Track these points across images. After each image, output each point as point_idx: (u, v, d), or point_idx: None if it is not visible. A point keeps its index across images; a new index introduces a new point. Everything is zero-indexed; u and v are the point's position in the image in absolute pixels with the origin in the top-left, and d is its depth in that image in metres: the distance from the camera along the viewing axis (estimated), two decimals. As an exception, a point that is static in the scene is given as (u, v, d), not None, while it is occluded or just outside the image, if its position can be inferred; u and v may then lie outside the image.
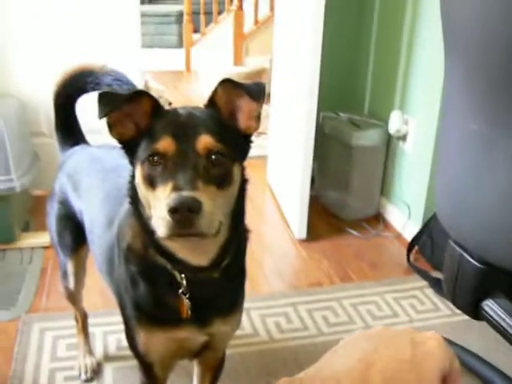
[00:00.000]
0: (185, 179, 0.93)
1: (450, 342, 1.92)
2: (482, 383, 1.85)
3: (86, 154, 1.63)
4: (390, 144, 2.98)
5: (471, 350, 1.89)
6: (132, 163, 1.07)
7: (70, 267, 1.70)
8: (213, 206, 0.94)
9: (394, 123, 2.82)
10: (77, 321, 1.92)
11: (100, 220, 1.39)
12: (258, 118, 1.09)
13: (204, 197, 0.93)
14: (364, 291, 2.38)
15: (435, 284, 2.42)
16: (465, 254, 1.24)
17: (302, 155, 2.71)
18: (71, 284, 1.75)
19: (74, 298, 1.83)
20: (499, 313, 1.21)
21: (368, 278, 2.52)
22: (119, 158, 1.50)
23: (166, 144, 0.98)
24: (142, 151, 1.02)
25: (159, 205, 0.94)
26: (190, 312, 1.13)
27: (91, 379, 1.84)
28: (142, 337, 1.20)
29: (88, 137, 1.76)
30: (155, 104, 1.05)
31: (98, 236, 1.40)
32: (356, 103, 3.28)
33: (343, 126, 2.98)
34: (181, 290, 1.11)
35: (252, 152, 3.78)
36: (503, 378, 1.73)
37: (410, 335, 0.63)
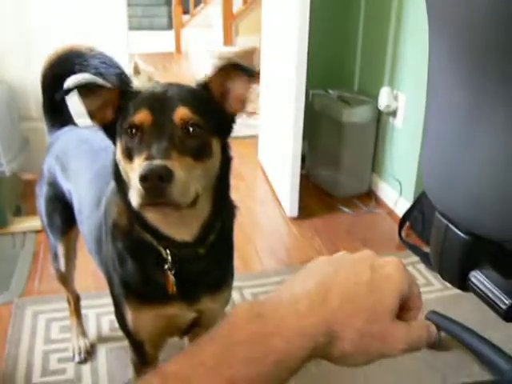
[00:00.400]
0: (158, 149, 0.93)
1: (442, 317, 1.94)
2: (476, 357, 1.86)
3: (74, 135, 1.62)
4: (380, 120, 2.97)
5: (464, 324, 1.90)
6: (114, 143, 1.07)
7: (61, 249, 1.70)
8: (186, 176, 0.94)
9: (384, 99, 2.82)
10: (69, 303, 1.92)
11: (88, 200, 1.39)
12: (246, 100, 1.10)
13: (177, 166, 0.92)
14: (356, 267, 2.38)
15: (427, 259, 2.43)
16: (451, 226, 1.24)
17: (293, 133, 2.71)
18: (62, 266, 1.75)
19: (65, 280, 1.83)
20: (486, 284, 1.21)
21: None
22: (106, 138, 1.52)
23: (141, 116, 0.98)
24: (120, 127, 1.03)
25: (134, 175, 0.94)
26: (175, 288, 1.13)
27: (85, 360, 1.85)
28: (130, 314, 1.20)
29: (77, 119, 1.75)
30: (121, 91, 1.07)
31: (87, 216, 1.40)
32: (345, 80, 3.26)
33: (333, 104, 2.98)
34: (166, 266, 1.11)
35: (243, 131, 3.79)
36: (496, 352, 1.74)
37: (369, 259, 0.64)
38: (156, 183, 0.89)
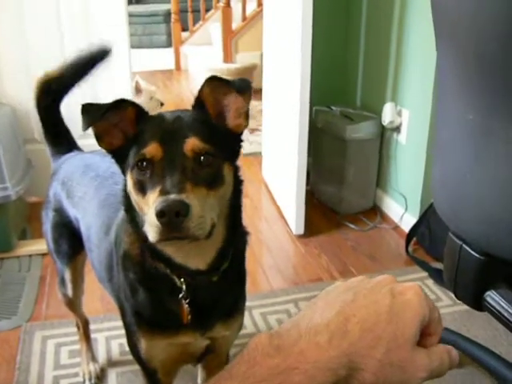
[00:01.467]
0: (172, 182, 0.92)
1: (452, 333, 1.92)
2: (488, 373, 1.85)
3: (80, 161, 1.62)
4: (383, 136, 2.97)
5: (475, 339, 1.89)
6: (123, 171, 1.06)
7: (68, 275, 1.69)
8: (202, 207, 0.93)
9: (387, 115, 2.82)
10: (78, 327, 1.91)
11: (97, 227, 1.39)
12: (247, 115, 1.08)
13: (192, 199, 0.91)
14: (364, 284, 2.37)
15: (435, 274, 2.42)
16: (465, 246, 1.23)
17: (297, 150, 2.70)
18: (69, 291, 1.74)
19: (73, 304, 1.82)
20: (502, 303, 1.20)
21: (368, 270, 2.52)
22: (112, 164, 1.51)
23: (152, 149, 0.97)
24: (131, 158, 1.01)
25: (149, 210, 0.93)
26: (190, 317, 1.12)
27: (95, 385, 1.84)
28: (143, 343, 1.19)
29: (82, 141, 1.75)
30: (139, 110, 1.05)
31: (96, 244, 1.39)
32: (348, 96, 3.27)
33: (336, 120, 2.98)
34: (181, 295, 1.10)
35: (246, 149, 3.80)
36: (508, 367, 1.73)
37: (389, 285, 0.63)
38: (173, 219, 0.89)
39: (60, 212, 1.58)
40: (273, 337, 0.59)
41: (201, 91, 1.05)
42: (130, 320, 1.21)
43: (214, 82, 1.03)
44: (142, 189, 0.98)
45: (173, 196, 0.90)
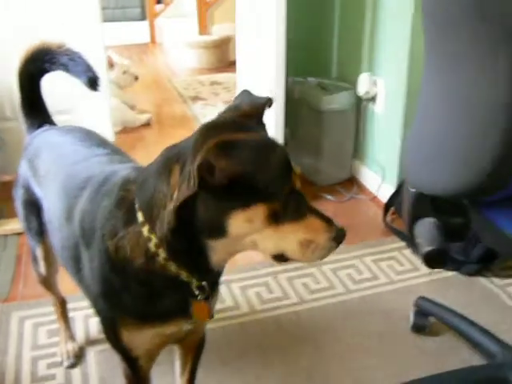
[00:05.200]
0: (322, 214, 1.01)
1: (431, 302, 1.94)
2: (466, 341, 1.87)
3: (46, 138, 1.57)
4: (360, 106, 2.96)
5: (453, 307, 1.91)
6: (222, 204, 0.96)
7: (40, 252, 1.67)
8: None
9: (363, 85, 2.80)
10: (55, 306, 1.89)
11: (57, 211, 1.33)
12: None
13: None
14: (343, 255, 2.38)
15: (413, 244, 2.43)
16: (407, 185, 1.54)
17: (274, 122, 2.69)
18: (42, 269, 1.72)
19: (47, 283, 1.80)
20: (419, 230, 1.43)
21: (346, 241, 2.51)
22: (77, 142, 1.46)
23: (296, 179, 0.99)
24: (272, 190, 0.95)
25: (319, 236, 0.99)
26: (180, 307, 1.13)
27: (74, 364, 1.83)
28: (127, 335, 1.17)
29: (57, 117, 1.71)
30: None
31: (57, 228, 1.34)
32: (324, 67, 3.24)
33: (312, 91, 2.96)
34: (203, 296, 1.11)
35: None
36: (486, 335, 1.74)
37: None
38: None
39: (28, 189, 1.54)
40: None
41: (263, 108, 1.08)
42: (110, 314, 1.17)
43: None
44: (276, 219, 0.96)
45: (339, 226, 1.02)
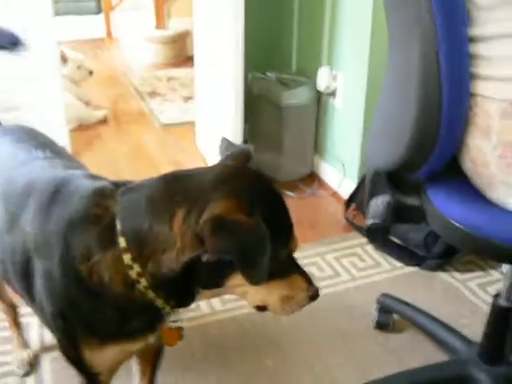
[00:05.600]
0: (304, 271, 1.08)
1: (393, 299, 1.93)
2: (427, 336, 1.87)
3: None
4: (320, 101, 2.93)
5: (415, 303, 1.90)
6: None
7: None
8: None
9: (323, 80, 2.78)
10: (6, 314, 1.81)
11: None
12: None
13: None
14: (304, 253, 2.35)
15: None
16: (368, 165, 1.55)
17: (233, 118, 2.65)
18: None
19: None
20: (371, 206, 1.45)
21: (307, 239, 2.49)
22: (14, 144, 1.36)
23: (295, 244, 1.06)
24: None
25: (285, 292, 1.05)
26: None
27: (29, 373, 1.76)
28: (88, 354, 1.11)
29: (5, 115, 1.64)
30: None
31: None
32: (283, 61, 3.20)
33: (272, 86, 2.92)
34: (175, 324, 1.14)
35: (180, 118, 3.70)
36: (449, 331, 1.74)
37: None
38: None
39: None
40: None
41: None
42: (69, 332, 1.10)
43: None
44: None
45: (316, 286, 1.08)
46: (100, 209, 1.03)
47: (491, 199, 1.19)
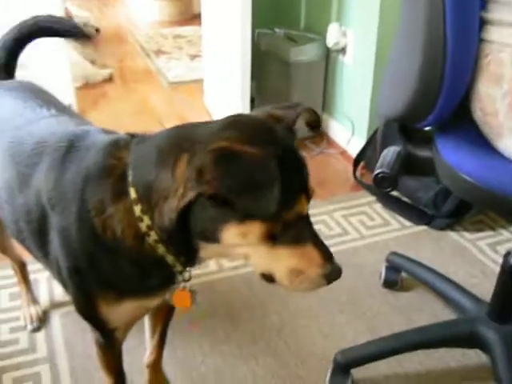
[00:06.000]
0: (324, 245, 0.95)
1: (402, 257, 1.92)
2: (436, 294, 1.86)
3: None
4: (329, 58, 2.88)
5: (422, 262, 1.89)
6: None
7: None
8: None
9: (332, 36, 2.72)
10: (14, 270, 1.82)
11: (5, 183, 1.22)
12: None
13: None
14: (312, 211, 2.30)
15: (383, 198, 2.40)
16: (379, 115, 1.44)
17: (240, 75, 2.61)
18: None
19: (1, 246, 1.72)
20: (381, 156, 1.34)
21: (315, 196, 2.46)
22: (18, 103, 1.34)
23: (305, 204, 0.94)
24: (269, 208, 0.85)
25: (311, 269, 0.94)
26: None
27: (38, 328, 1.77)
28: (105, 309, 1.10)
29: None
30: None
31: (5, 201, 1.23)
32: (292, 17, 3.14)
33: (280, 42, 2.87)
34: (186, 285, 1.09)
35: (187, 76, 3.65)
36: (458, 290, 1.73)
37: None
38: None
39: None
40: None
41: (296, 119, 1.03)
42: (86, 287, 1.09)
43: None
44: (271, 238, 0.91)
45: (336, 265, 0.95)
46: (114, 159, 1.01)
47: (500, 149, 1.16)
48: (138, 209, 0.96)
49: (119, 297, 1.08)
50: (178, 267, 1.03)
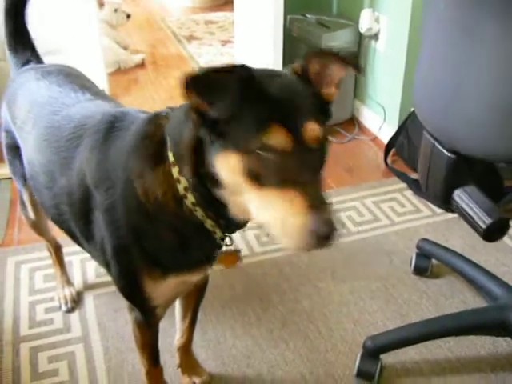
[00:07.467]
0: (315, 192, 0.82)
1: (433, 244, 1.91)
2: (469, 283, 1.85)
3: (23, 81, 1.46)
4: (361, 44, 2.86)
5: (453, 249, 1.88)
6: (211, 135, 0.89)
7: (26, 196, 1.61)
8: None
9: (365, 22, 2.70)
10: (50, 252, 1.86)
11: (41, 167, 1.25)
12: (339, 84, 0.98)
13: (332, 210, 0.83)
14: (343, 197, 2.34)
15: (414, 185, 2.39)
16: (437, 145, 1.27)
17: (272, 61, 2.61)
18: (30, 213, 1.67)
19: (38, 227, 1.76)
20: (469, 203, 1.23)
21: (346, 183, 2.48)
22: (54, 88, 1.36)
23: (282, 138, 0.83)
24: (242, 137, 0.84)
25: (277, 209, 0.83)
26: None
27: (72, 309, 1.81)
28: (150, 286, 1.12)
29: (46, 58, 1.62)
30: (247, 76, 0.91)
31: (44, 185, 1.26)
32: (324, 3, 3.12)
33: (312, 28, 2.85)
34: (230, 248, 1.11)
35: (219, 60, 3.68)
36: (489, 277, 1.72)
37: None
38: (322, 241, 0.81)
39: (9, 133, 1.47)
40: None
41: (309, 62, 0.95)
42: (132, 264, 1.11)
43: (323, 54, 0.99)
44: (256, 178, 0.84)
45: (328, 217, 0.80)
46: (154, 127, 1.04)
47: None
48: (175, 171, 0.98)
49: (163, 273, 1.11)
50: (218, 233, 1.05)
